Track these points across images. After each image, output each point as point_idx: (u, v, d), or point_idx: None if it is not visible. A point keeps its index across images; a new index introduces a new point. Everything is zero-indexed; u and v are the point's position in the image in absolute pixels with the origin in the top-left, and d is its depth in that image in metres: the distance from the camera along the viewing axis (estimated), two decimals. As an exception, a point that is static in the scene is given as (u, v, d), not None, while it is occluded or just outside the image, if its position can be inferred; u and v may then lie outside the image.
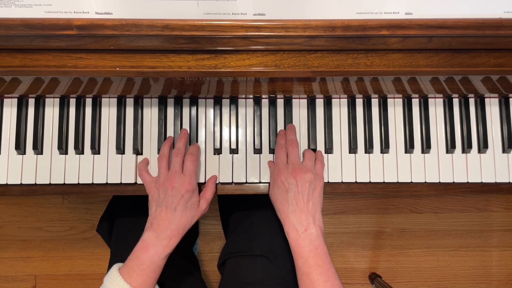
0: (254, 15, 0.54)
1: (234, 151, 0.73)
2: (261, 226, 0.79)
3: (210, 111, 0.74)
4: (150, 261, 0.61)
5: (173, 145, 0.72)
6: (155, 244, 0.62)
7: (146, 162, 0.72)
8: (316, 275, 0.60)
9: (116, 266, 0.63)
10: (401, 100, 0.74)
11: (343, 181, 0.73)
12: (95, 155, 0.72)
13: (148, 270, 0.61)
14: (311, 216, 0.63)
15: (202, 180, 0.72)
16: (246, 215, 0.83)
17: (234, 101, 0.74)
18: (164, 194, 0.65)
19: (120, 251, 0.79)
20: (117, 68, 0.58)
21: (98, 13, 0.53)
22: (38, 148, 0.72)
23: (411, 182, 0.73)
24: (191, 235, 1.24)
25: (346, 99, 0.74)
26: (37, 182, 0.71)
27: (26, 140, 0.72)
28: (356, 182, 0.73)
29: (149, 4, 0.53)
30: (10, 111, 0.72)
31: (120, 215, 0.86)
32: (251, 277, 0.73)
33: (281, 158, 0.68)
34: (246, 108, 0.74)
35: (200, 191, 0.70)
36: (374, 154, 0.73)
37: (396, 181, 0.73)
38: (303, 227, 0.62)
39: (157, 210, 0.65)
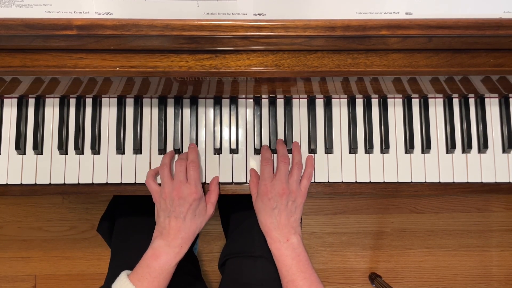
0: (254, 15, 0.54)
1: (234, 151, 0.73)
2: (262, 227, 0.79)
3: (210, 111, 0.74)
4: (161, 269, 0.62)
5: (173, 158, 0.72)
6: (167, 252, 0.63)
7: (156, 171, 0.71)
8: (301, 281, 0.63)
9: (124, 273, 0.63)
10: (401, 100, 0.74)
11: (343, 181, 0.73)
12: (95, 155, 0.72)
13: (159, 278, 0.62)
14: (292, 229, 0.66)
15: (202, 181, 0.72)
16: (246, 215, 0.83)
17: (234, 101, 0.74)
18: (171, 204, 0.64)
19: (121, 251, 0.79)
20: (117, 68, 0.58)
21: (98, 13, 0.53)
22: (38, 148, 0.72)
23: (411, 182, 0.73)
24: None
25: (346, 99, 0.74)
26: (37, 182, 0.71)
27: (26, 140, 0.72)
28: (356, 182, 0.73)
29: (149, 4, 0.53)
30: (10, 111, 0.72)
31: (121, 215, 0.86)
32: (251, 278, 0.73)
33: (268, 173, 0.68)
34: (246, 108, 0.74)
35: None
36: (374, 154, 0.73)
37: (396, 181, 0.73)
38: (285, 238, 0.65)
39: (165, 220, 0.65)
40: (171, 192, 0.65)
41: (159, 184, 0.69)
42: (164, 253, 0.63)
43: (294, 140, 0.73)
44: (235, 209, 0.88)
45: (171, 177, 0.67)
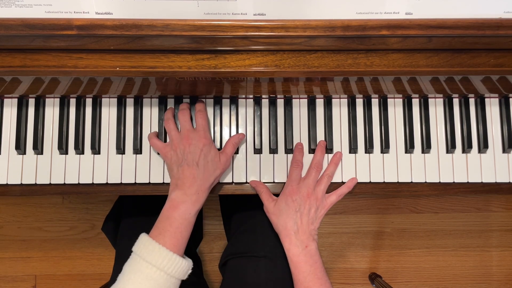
0: (254, 15, 0.54)
1: (234, 151, 0.73)
2: (265, 227, 0.78)
3: (210, 111, 0.74)
4: (182, 218, 0.61)
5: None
6: (184, 200, 0.62)
7: (156, 133, 0.72)
8: (317, 287, 0.64)
9: (144, 234, 0.61)
10: (401, 100, 0.74)
11: (343, 181, 0.73)
12: (95, 155, 0.72)
13: (181, 228, 0.61)
14: (311, 236, 0.67)
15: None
16: (249, 216, 0.83)
17: (234, 101, 0.74)
18: (182, 153, 0.65)
19: (125, 251, 0.79)
20: (117, 68, 0.58)
21: (98, 13, 0.53)
22: (38, 148, 0.72)
23: (411, 182, 0.73)
24: (196, 237, 1.24)
25: (346, 99, 0.74)
26: (37, 182, 0.71)
27: (26, 140, 0.72)
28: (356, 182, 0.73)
29: (149, 4, 0.53)
30: (10, 111, 0.72)
31: (126, 216, 0.86)
32: (254, 278, 0.73)
33: (297, 175, 0.69)
34: (246, 108, 0.74)
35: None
36: (374, 154, 0.73)
37: (396, 181, 0.73)
38: (304, 244, 0.66)
39: (179, 170, 0.64)
40: (180, 141, 0.65)
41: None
42: (182, 202, 0.62)
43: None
44: (238, 210, 0.88)
45: (177, 129, 0.68)
